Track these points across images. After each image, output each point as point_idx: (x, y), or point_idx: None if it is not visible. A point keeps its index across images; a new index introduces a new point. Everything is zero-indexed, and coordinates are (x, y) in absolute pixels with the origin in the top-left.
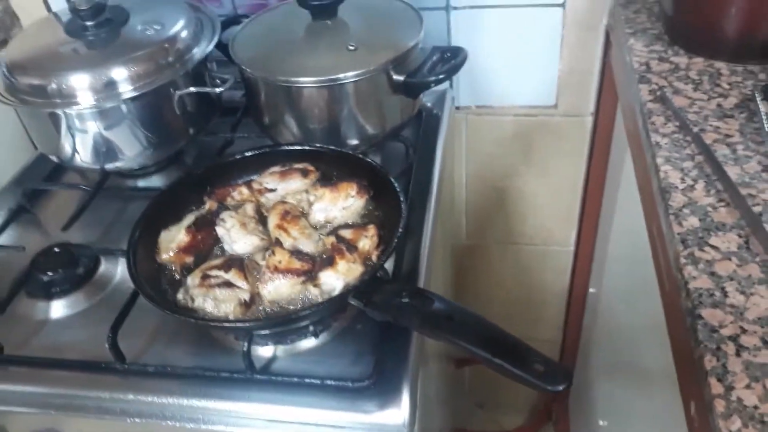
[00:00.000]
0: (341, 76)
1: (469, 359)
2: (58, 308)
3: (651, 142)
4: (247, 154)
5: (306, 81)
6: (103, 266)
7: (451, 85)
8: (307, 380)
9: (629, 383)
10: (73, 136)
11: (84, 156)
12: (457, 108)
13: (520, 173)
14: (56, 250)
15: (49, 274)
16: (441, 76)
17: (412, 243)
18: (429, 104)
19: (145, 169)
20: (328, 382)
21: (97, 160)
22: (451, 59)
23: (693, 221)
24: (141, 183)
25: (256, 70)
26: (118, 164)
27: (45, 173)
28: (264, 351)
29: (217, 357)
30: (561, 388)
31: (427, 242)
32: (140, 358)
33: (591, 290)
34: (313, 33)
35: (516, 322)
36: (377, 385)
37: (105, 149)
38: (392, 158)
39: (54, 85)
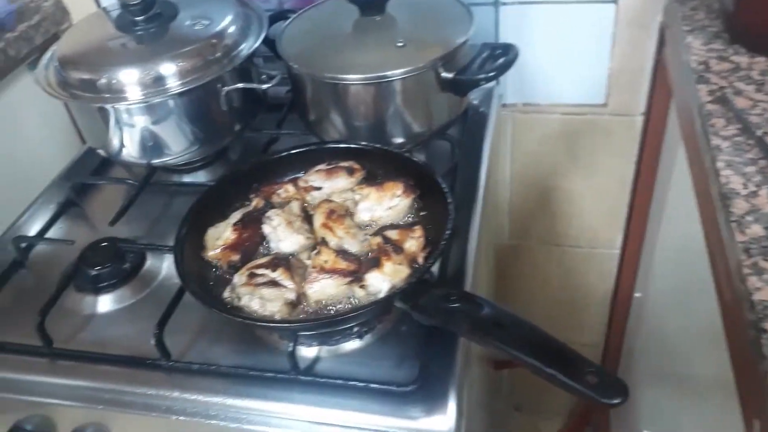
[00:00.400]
0: (389, 73)
1: (508, 362)
2: (105, 303)
3: (710, 145)
4: (293, 151)
5: (353, 78)
6: (150, 261)
7: (497, 83)
8: (351, 383)
9: (677, 393)
10: (121, 131)
11: (131, 150)
12: (503, 105)
13: (567, 173)
14: (104, 244)
15: (97, 268)
16: (491, 74)
17: (458, 244)
18: (476, 102)
19: (191, 164)
20: (373, 385)
21: (144, 155)
22: (502, 56)
23: (757, 229)
24: (187, 179)
25: (303, 66)
26: (165, 159)
27: (93, 167)
28: (308, 351)
29: (261, 356)
30: (616, 401)
31: (474, 243)
32: (185, 355)
33: (636, 294)
34: (361, 29)
35: (558, 324)
36: (422, 390)
37: (152, 144)
38: (437, 157)
39: (104, 80)
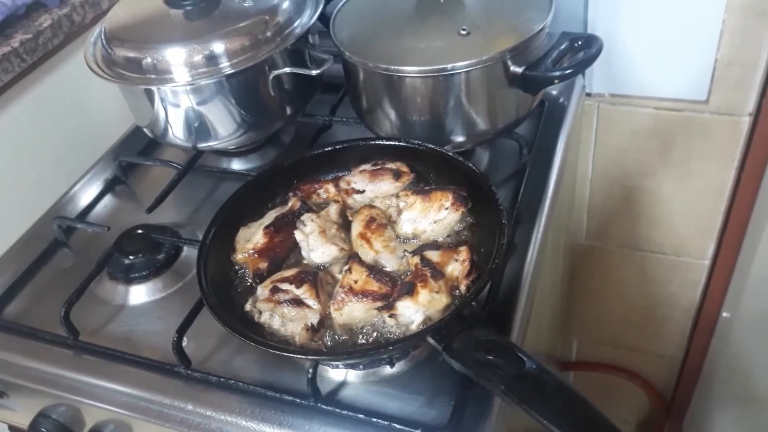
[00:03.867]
0: (449, 66)
1: (575, 364)
2: (137, 294)
3: None
4: (336, 147)
5: (408, 70)
6: (185, 252)
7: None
8: (374, 419)
9: (758, 420)
10: (166, 112)
11: (176, 133)
12: (589, 95)
13: (655, 173)
14: (139, 232)
15: (130, 257)
16: (567, 72)
17: (515, 262)
18: (554, 92)
19: (240, 148)
20: (397, 425)
21: (189, 138)
22: (582, 50)
23: None
24: (236, 163)
25: (355, 54)
26: (211, 144)
27: (141, 146)
28: (335, 374)
29: (285, 373)
30: None
31: (533, 261)
32: (206, 362)
33: (724, 314)
34: (423, 11)
35: (633, 331)
36: None
37: (197, 127)
38: (504, 156)
39: (149, 59)
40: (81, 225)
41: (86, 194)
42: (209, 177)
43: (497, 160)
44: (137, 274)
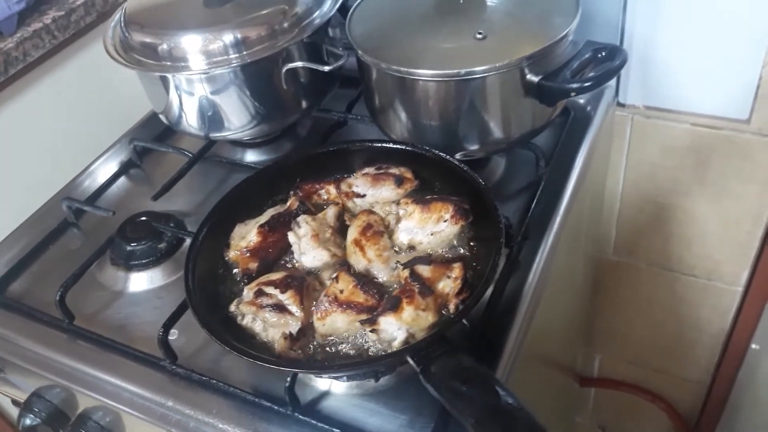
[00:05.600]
0: (462, 71)
1: (596, 380)
2: (137, 281)
3: None
4: (342, 147)
5: (421, 73)
6: (187, 242)
7: (618, 80)
8: None
9: None
10: (180, 100)
11: (190, 121)
12: (622, 105)
13: (690, 192)
14: (142, 219)
15: (132, 244)
16: (587, 84)
17: (517, 281)
18: (581, 101)
19: (254, 139)
20: None
21: (202, 127)
22: (605, 61)
23: None
24: (249, 154)
25: (368, 53)
26: (224, 134)
27: (158, 132)
28: (320, 383)
29: (271, 376)
30: None
31: (534, 281)
32: (194, 358)
33: (754, 346)
34: (441, 11)
35: (659, 353)
36: None
37: (210, 117)
38: (522, 166)
39: (165, 46)
40: (88, 208)
41: (101, 174)
42: (221, 167)
43: (513, 171)
44: (138, 262)
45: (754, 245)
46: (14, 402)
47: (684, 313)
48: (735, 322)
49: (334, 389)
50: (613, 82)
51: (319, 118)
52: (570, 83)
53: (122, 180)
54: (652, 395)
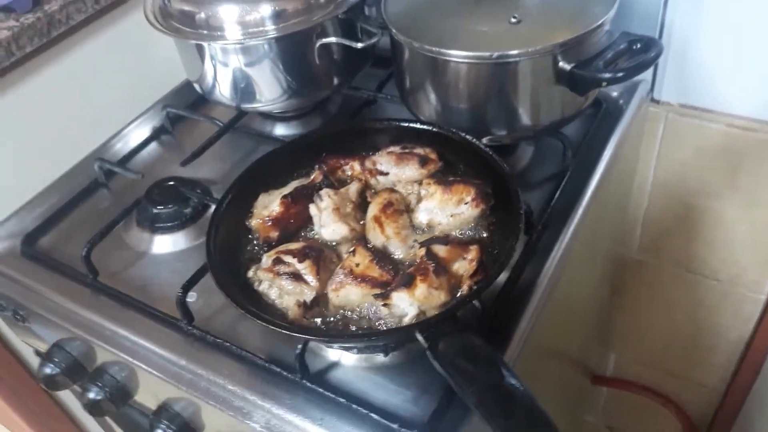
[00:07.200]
0: (495, 54)
1: (608, 379)
2: (160, 244)
3: None
4: (368, 125)
5: (452, 54)
6: (212, 210)
7: (654, 76)
8: (353, 406)
9: None
10: (214, 69)
11: (223, 91)
12: (657, 102)
13: (721, 195)
14: (170, 183)
15: (159, 207)
16: (619, 75)
17: (531, 269)
18: (614, 93)
19: (285, 113)
20: (374, 416)
21: (235, 98)
22: (640, 53)
23: None
24: (279, 128)
25: (401, 32)
26: (255, 105)
27: (192, 100)
28: (331, 354)
29: (284, 344)
30: None
31: (550, 270)
32: (210, 321)
33: None
34: None
35: (675, 356)
36: None
37: (243, 87)
38: (550, 155)
39: (202, 15)
40: (118, 169)
41: (134, 138)
42: (251, 139)
43: (541, 160)
44: (163, 225)
45: None
46: (37, 353)
47: (704, 318)
48: (756, 330)
49: (344, 361)
50: (648, 76)
51: (349, 95)
52: (602, 73)
53: (153, 145)
54: (664, 398)
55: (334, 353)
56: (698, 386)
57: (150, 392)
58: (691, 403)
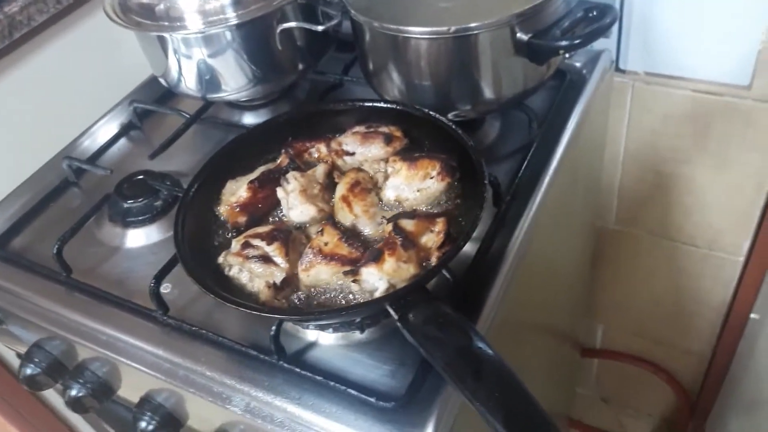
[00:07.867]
0: (452, 28)
1: (598, 351)
2: (133, 238)
3: None
4: (332, 107)
5: (411, 30)
6: None
7: (618, 45)
8: (331, 383)
9: None
10: (178, 62)
11: (188, 83)
12: (623, 71)
13: (691, 160)
14: (139, 177)
15: (129, 202)
16: (576, 42)
17: (501, 240)
18: (578, 64)
19: (253, 101)
20: (352, 391)
21: (200, 89)
22: (597, 20)
23: None
24: (248, 117)
25: (361, 12)
26: (221, 95)
27: (158, 94)
28: (307, 334)
29: (260, 328)
30: None
31: (518, 240)
32: (186, 310)
33: (753, 316)
34: None
35: (661, 323)
36: (403, 411)
37: (208, 78)
38: (516, 128)
39: (162, 6)
40: (87, 166)
41: (102, 135)
42: (220, 129)
43: (508, 133)
44: (134, 219)
45: (755, 214)
46: (18, 355)
47: (685, 284)
48: (735, 293)
49: (322, 341)
50: (612, 45)
51: (316, 80)
52: (559, 41)
53: (122, 141)
54: (654, 367)
55: (311, 334)
56: (685, 352)
57: (131, 386)
58: (681, 370)
